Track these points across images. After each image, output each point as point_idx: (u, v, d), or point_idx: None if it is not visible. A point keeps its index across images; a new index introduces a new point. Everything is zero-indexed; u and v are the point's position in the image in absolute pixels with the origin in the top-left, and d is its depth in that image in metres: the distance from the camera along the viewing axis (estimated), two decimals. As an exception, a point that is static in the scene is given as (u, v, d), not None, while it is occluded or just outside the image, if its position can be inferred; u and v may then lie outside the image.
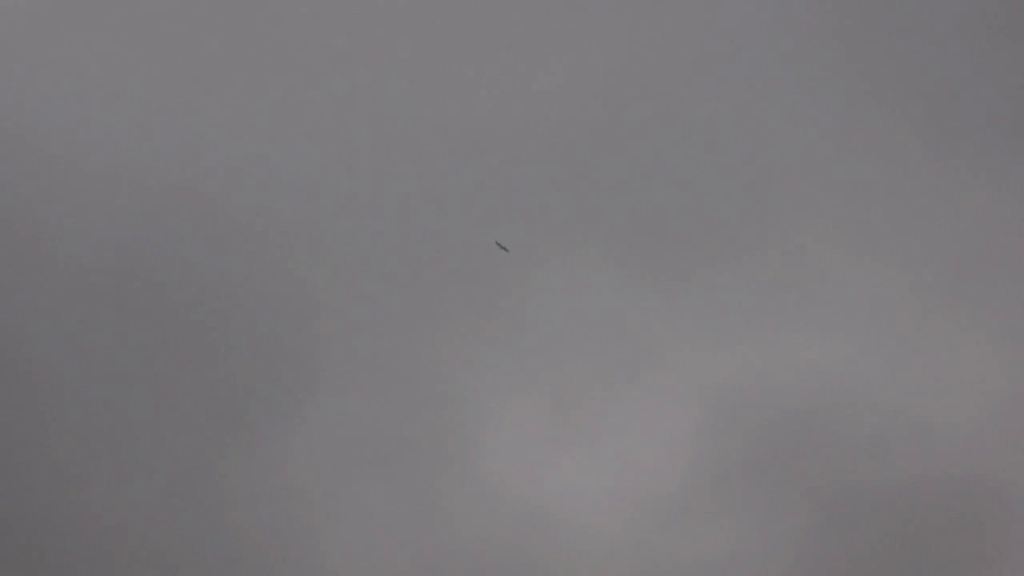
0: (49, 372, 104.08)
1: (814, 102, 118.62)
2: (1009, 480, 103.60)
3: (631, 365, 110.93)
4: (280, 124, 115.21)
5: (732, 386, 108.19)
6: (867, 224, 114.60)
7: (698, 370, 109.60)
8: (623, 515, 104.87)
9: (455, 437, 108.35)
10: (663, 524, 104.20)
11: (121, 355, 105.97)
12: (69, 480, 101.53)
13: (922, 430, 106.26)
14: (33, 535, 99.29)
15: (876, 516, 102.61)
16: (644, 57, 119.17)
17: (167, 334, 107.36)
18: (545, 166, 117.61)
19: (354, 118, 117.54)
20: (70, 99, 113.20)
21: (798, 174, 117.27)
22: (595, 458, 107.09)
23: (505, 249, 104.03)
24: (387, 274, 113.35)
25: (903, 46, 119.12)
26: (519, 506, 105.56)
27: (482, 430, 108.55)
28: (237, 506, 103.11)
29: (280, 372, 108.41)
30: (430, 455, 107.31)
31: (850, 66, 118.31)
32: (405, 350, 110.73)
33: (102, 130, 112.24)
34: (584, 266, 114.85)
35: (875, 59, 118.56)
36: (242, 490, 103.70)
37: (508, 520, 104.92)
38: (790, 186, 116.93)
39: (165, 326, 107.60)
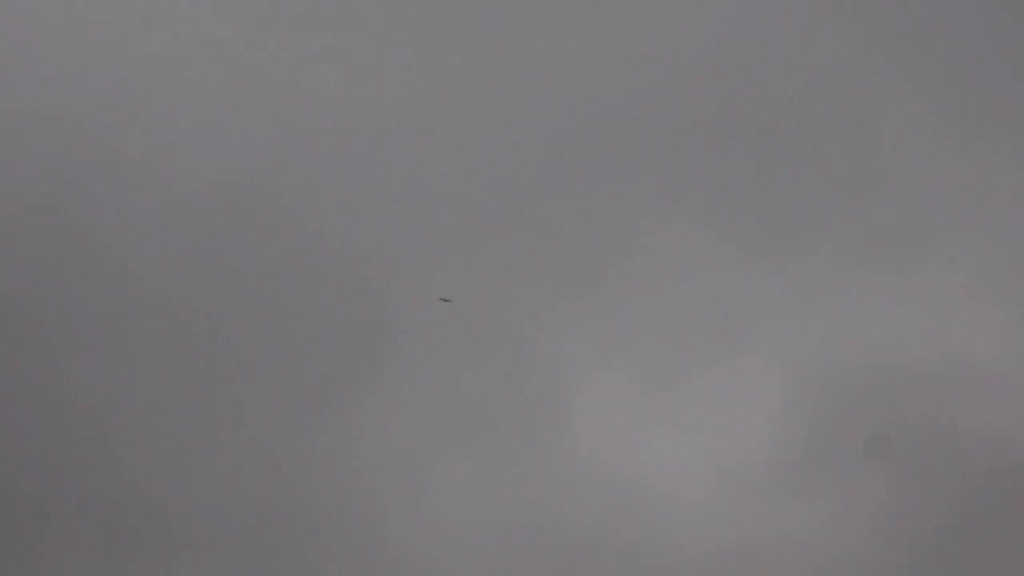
0: (136, 343, 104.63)
1: (920, 60, 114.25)
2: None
3: (724, 335, 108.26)
4: (369, 87, 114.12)
5: (827, 356, 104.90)
6: (973, 186, 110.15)
7: (792, 340, 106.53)
8: (712, 488, 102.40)
9: (544, 407, 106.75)
10: (752, 497, 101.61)
11: (207, 327, 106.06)
12: (155, 452, 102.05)
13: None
14: (119, 507, 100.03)
15: (977, 490, 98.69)
16: (744, 22, 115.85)
17: (252, 305, 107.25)
18: (642, 133, 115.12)
19: (445, 80, 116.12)
20: (162, 72, 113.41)
21: (901, 135, 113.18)
22: (685, 430, 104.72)
23: (448, 301, 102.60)
24: (476, 239, 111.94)
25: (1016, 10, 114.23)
26: (608, 479, 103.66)
27: (572, 400, 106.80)
28: (323, 479, 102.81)
29: (365, 340, 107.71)
30: (518, 426, 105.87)
31: (959, 27, 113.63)
32: (494, 317, 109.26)
33: (194, 95, 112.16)
34: (680, 233, 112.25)
35: (985, 21, 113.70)
36: (328, 462, 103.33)
37: (597, 493, 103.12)
38: (893, 148, 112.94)
39: (250, 297, 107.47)
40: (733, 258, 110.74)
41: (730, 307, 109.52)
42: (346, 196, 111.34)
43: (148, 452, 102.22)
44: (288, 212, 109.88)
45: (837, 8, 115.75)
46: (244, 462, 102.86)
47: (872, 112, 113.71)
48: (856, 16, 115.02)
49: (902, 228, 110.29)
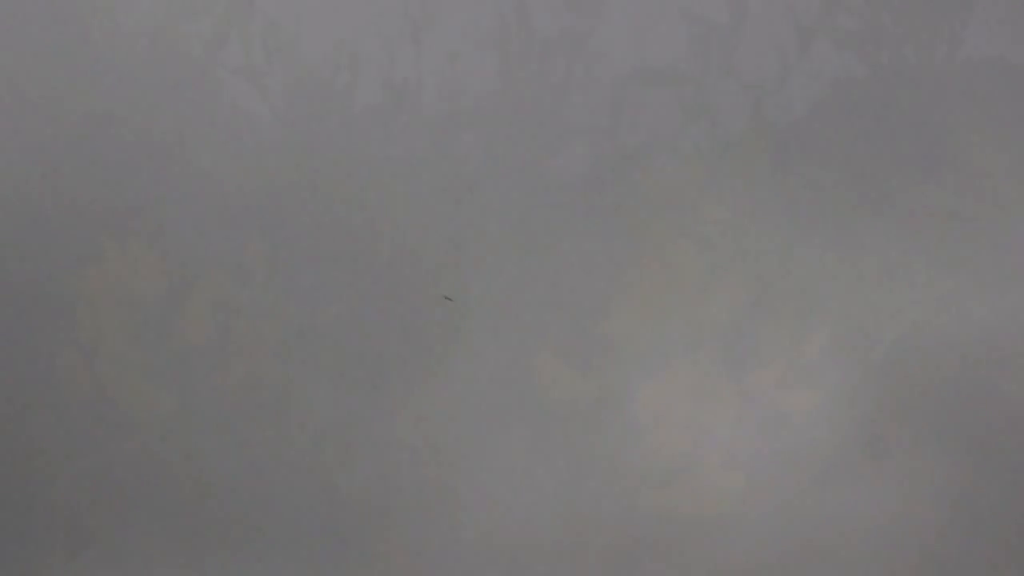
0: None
1: (991, 20, 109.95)
2: None
3: (787, 314, 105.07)
4: (439, 56, 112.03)
5: (894, 336, 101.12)
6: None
7: (858, 320, 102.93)
8: (776, 472, 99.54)
9: (604, 387, 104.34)
10: (817, 483, 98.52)
11: (265, 308, 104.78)
12: (208, 431, 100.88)
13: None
14: (170, 490, 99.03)
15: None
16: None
17: (309, 287, 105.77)
18: (695, 97, 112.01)
19: (512, 50, 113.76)
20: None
21: (976, 94, 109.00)
22: (748, 412, 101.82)
23: (449, 299, 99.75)
24: (535, 214, 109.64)
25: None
26: (668, 462, 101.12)
27: (633, 379, 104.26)
28: (381, 461, 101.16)
29: (424, 323, 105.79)
30: (579, 407, 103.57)
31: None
32: (552, 291, 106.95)
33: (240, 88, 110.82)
34: (741, 209, 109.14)
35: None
36: (385, 444, 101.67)
37: (657, 476, 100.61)
38: (967, 107, 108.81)
39: (307, 280, 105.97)
40: (797, 236, 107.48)
41: (794, 286, 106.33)
42: (403, 180, 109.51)
43: (200, 432, 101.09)
44: (346, 197, 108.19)
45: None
46: (301, 444, 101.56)
47: (943, 77, 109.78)
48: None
49: (974, 202, 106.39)
